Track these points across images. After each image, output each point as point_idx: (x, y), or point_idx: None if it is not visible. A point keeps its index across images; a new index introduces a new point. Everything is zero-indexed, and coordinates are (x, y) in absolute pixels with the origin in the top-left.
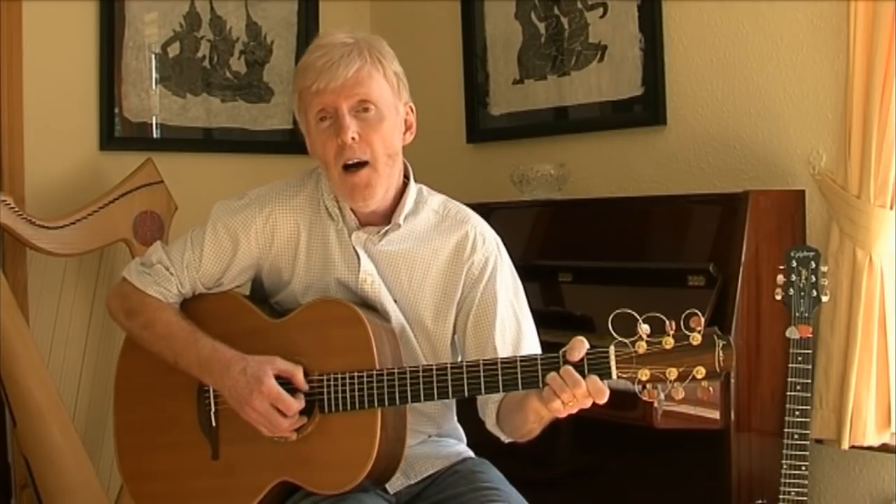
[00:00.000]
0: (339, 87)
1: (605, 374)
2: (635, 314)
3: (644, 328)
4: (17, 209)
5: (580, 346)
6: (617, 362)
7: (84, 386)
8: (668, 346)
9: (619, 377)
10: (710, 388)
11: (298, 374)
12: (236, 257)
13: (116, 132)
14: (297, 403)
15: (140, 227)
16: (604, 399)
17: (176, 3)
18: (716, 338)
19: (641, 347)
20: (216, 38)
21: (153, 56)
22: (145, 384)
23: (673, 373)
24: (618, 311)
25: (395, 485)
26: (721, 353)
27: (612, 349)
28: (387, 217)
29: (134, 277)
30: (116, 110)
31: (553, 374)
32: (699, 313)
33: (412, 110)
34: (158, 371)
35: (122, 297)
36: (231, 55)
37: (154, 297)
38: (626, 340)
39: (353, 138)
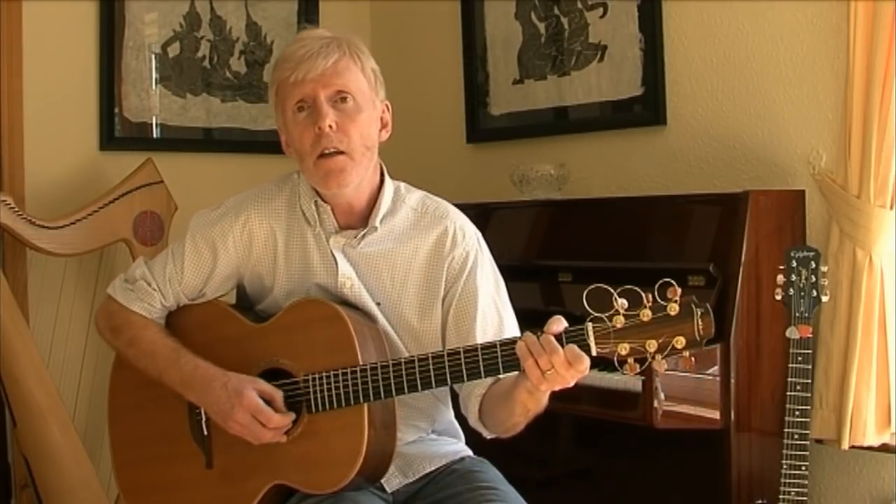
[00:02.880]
0: (318, 76)
1: (583, 351)
2: (610, 289)
3: (621, 302)
4: (17, 209)
5: (558, 322)
6: (595, 338)
7: (84, 386)
8: (645, 319)
9: (598, 352)
10: (692, 358)
11: (278, 399)
12: (216, 268)
13: (116, 132)
14: (279, 416)
15: (140, 227)
16: (584, 366)
17: (176, 3)
18: (693, 306)
19: (619, 322)
20: (216, 38)
21: (153, 56)
22: (137, 398)
23: (652, 345)
24: (592, 286)
25: (392, 483)
26: (700, 322)
27: (589, 325)
28: (364, 219)
29: (118, 294)
30: (116, 110)
31: (532, 338)
32: (673, 283)
33: (388, 109)
34: (149, 384)
35: (107, 314)
36: (231, 55)
37: (138, 314)
38: (603, 315)
39: (330, 126)
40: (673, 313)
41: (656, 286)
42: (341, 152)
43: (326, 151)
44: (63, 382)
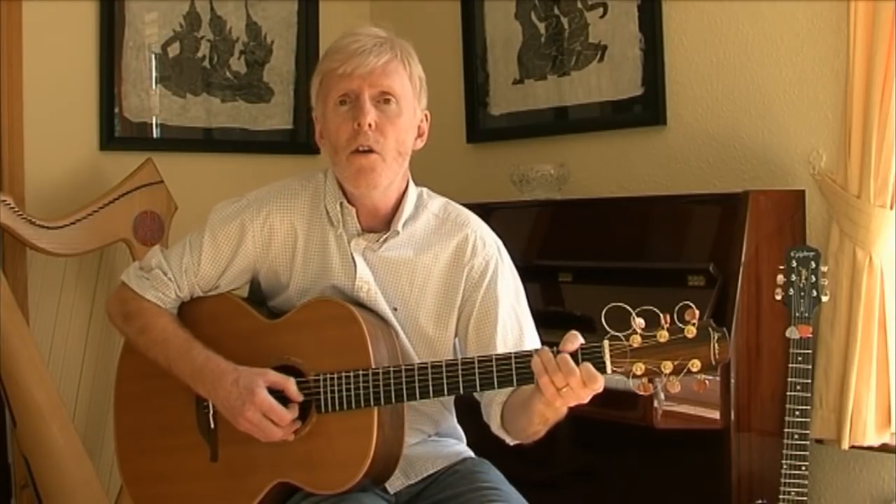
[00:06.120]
0: (367, 73)
1: (599, 368)
2: (629, 308)
3: (638, 322)
4: (17, 209)
5: (574, 339)
6: (611, 356)
7: (84, 386)
8: (662, 340)
9: (613, 371)
10: (706, 381)
11: (290, 386)
12: (234, 260)
13: (116, 132)
14: (290, 414)
15: (140, 227)
16: (598, 385)
17: (176, 3)
18: (711, 330)
19: (636, 341)
20: (216, 38)
21: (153, 56)
22: (144, 387)
23: (668, 366)
24: (611, 304)
25: (394, 484)
26: (716, 346)
27: (605, 343)
28: (387, 223)
29: (133, 282)
30: (116, 110)
31: (547, 354)
32: (693, 306)
33: (427, 118)
34: (157, 374)
35: (120, 301)
36: (231, 55)
37: (151, 303)
38: (620, 334)
39: (370, 125)
40: (690, 336)
41: (676, 308)
42: (375, 152)
43: (361, 148)
44: (63, 382)
